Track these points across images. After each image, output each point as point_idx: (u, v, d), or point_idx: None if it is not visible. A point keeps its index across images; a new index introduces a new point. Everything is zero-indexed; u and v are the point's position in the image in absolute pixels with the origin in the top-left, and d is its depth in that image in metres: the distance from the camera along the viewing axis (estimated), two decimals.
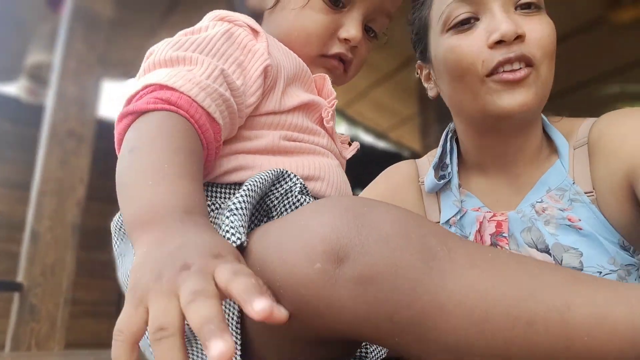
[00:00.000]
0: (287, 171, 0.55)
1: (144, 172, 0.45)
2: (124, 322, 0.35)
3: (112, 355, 0.35)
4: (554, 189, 0.76)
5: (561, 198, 0.75)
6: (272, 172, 0.54)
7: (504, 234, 0.76)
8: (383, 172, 0.96)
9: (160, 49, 0.58)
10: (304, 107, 0.65)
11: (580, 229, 0.72)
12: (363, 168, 1.28)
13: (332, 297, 0.38)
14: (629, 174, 0.69)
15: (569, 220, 0.73)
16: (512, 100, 0.69)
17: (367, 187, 0.95)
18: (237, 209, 0.46)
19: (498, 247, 0.76)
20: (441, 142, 0.90)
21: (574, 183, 0.74)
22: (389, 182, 0.93)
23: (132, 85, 0.54)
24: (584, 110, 0.87)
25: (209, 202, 0.53)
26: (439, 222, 0.84)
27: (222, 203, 0.54)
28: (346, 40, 0.70)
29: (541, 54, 0.70)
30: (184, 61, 0.56)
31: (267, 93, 0.62)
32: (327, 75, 0.70)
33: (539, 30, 0.70)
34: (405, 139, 5.67)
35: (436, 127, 3.31)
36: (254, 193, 0.50)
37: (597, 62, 3.38)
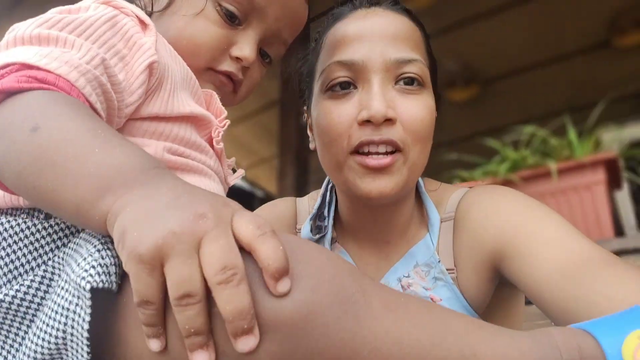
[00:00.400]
0: None
1: (74, 144, 0.39)
2: (145, 292, 0.33)
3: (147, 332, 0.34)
4: (421, 264, 0.74)
5: (427, 275, 0.74)
6: None
7: None
8: (259, 210, 0.91)
9: (26, 25, 0.49)
10: (193, 120, 0.59)
11: None
12: None
13: None
14: (493, 254, 0.68)
15: (431, 299, 0.72)
16: (372, 185, 0.67)
17: None
18: (113, 242, 0.37)
19: None
20: (321, 191, 0.86)
21: (439, 261, 0.73)
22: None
23: None
24: None
25: (58, 223, 0.46)
26: None
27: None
28: (238, 59, 0.65)
29: (412, 139, 0.67)
30: (56, 41, 0.48)
31: (151, 93, 0.55)
32: (214, 92, 0.64)
33: (413, 114, 0.67)
34: (261, 179, 5.70)
35: (293, 170, 3.38)
36: None
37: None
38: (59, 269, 0.44)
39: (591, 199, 1.81)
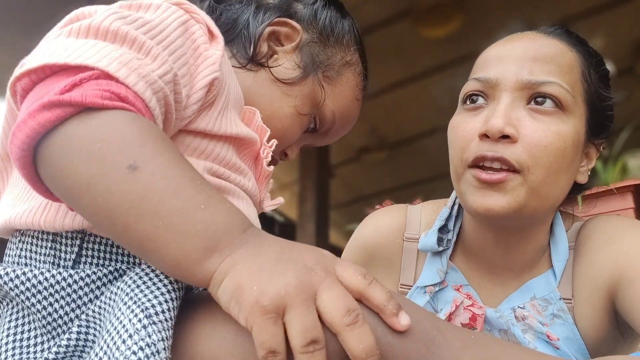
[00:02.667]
0: None
1: (179, 196, 0.38)
2: (272, 341, 0.34)
3: None
4: (539, 299, 0.71)
5: (544, 310, 0.70)
6: None
7: (475, 329, 0.72)
8: (373, 217, 0.88)
9: (104, 14, 0.44)
10: (237, 141, 0.56)
11: (557, 348, 0.68)
12: None
13: None
14: (609, 285, 0.65)
15: (548, 336, 0.69)
16: (480, 200, 0.64)
17: (357, 230, 0.88)
18: (159, 312, 0.37)
19: None
20: (449, 203, 0.82)
21: (561, 298, 0.70)
22: (375, 232, 0.84)
23: (55, 45, 0.41)
24: None
25: (103, 261, 0.45)
26: (411, 285, 0.79)
27: (125, 265, 0.45)
28: (286, 155, 0.70)
29: (533, 163, 0.63)
30: (133, 43, 0.44)
31: (204, 109, 0.53)
32: (257, 110, 0.61)
33: (537, 136, 0.63)
34: (282, 205, 5.72)
35: (314, 196, 3.39)
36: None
37: None
38: (94, 325, 0.42)
39: None
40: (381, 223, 0.85)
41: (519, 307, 0.71)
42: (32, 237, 0.47)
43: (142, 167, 0.38)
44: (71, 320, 0.42)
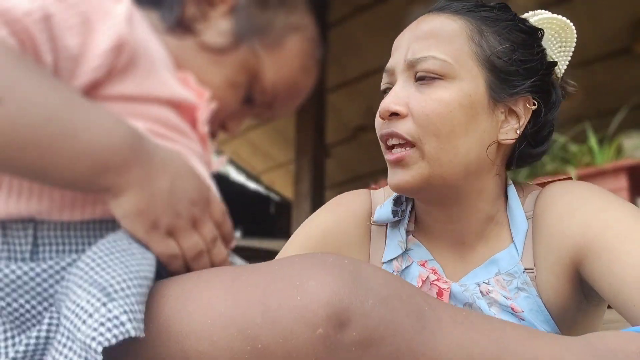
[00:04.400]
0: None
1: (55, 121, 0.40)
2: (171, 251, 0.46)
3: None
4: (503, 273, 0.72)
5: (508, 284, 0.72)
6: None
7: None
8: (333, 203, 0.88)
9: None
10: (174, 104, 0.54)
11: (522, 319, 0.69)
12: (231, 206, 1.25)
13: None
14: (573, 254, 0.65)
15: (512, 309, 0.70)
16: (392, 178, 0.71)
17: (312, 217, 0.87)
18: (119, 290, 0.38)
19: None
20: None
21: (524, 271, 0.71)
22: (336, 216, 0.85)
23: None
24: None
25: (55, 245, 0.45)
26: (382, 262, 0.81)
27: (79, 247, 0.45)
28: (226, 128, 0.65)
29: (422, 132, 0.67)
30: None
31: (122, 72, 0.50)
32: (190, 75, 0.58)
33: (421, 107, 0.68)
34: (277, 184, 5.72)
35: (309, 175, 3.39)
36: (148, 261, 0.44)
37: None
38: (57, 319, 0.42)
39: None
40: (345, 211, 0.86)
41: (483, 282, 0.73)
42: None
43: (6, 99, 0.38)
44: (40, 313, 0.42)
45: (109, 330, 0.36)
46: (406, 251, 0.79)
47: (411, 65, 0.70)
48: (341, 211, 0.85)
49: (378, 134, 0.73)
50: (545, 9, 0.78)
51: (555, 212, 0.69)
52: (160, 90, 0.52)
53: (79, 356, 0.36)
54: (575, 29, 0.76)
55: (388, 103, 0.69)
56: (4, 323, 0.42)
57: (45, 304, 0.42)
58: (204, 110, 0.57)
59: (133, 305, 0.38)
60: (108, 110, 0.44)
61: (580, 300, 0.71)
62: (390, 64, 0.74)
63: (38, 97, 0.40)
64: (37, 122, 0.39)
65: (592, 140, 1.96)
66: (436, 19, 0.73)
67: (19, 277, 0.41)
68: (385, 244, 0.82)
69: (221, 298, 0.40)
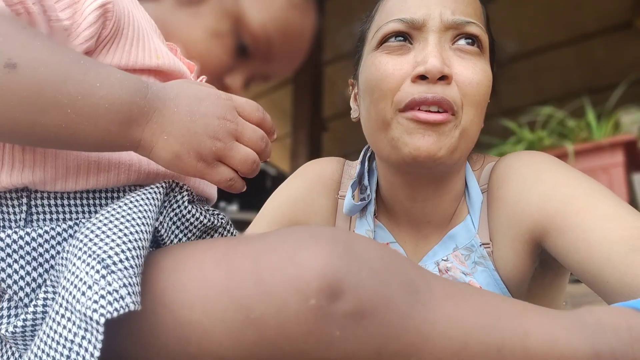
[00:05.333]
0: (175, 183, 0.50)
1: (71, 82, 0.40)
2: (225, 176, 0.49)
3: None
4: (461, 248, 0.71)
5: (466, 259, 0.70)
6: (160, 188, 0.47)
7: None
8: (304, 170, 0.86)
9: None
10: (165, 74, 0.54)
11: None
12: None
13: (323, 334, 0.37)
14: (535, 227, 0.63)
15: (470, 285, 0.68)
16: (421, 142, 0.63)
17: (283, 186, 0.85)
18: (117, 262, 0.38)
19: None
20: (359, 160, 0.81)
21: (481, 245, 0.70)
22: (305, 186, 0.83)
23: None
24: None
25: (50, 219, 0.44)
26: None
27: (75, 219, 0.45)
28: (226, 87, 0.63)
29: (466, 102, 0.64)
30: None
31: (109, 42, 0.50)
32: (178, 47, 0.59)
33: (469, 75, 0.64)
34: (273, 158, 5.70)
35: (306, 150, 3.38)
36: (146, 227, 0.42)
37: None
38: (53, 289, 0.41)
39: (609, 181, 1.79)
40: (315, 179, 0.83)
41: (442, 260, 0.71)
42: None
43: (20, 63, 0.39)
44: (34, 280, 0.41)
45: (110, 303, 0.36)
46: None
47: (454, 26, 0.65)
48: (311, 179, 0.83)
49: (408, 96, 0.63)
50: None
51: (512, 186, 0.67)
52: (149, 60, 0.51)
53: (78, 327, 0.36)
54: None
55: (440, 63, 0.62)
56: (2, 293, 0.41)
57: (41, 270, 0.41)
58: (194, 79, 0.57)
59: (132, 278, 0.38)
60: (112, 66, 0.44)
61: (540, 274, 0.71)
62: (419, 15, 0.65)
63: (50, 59, 0.40)
64: (54, 83, 0.40)
65: (590, 116, 1.95)
66: None
67: (14, 242, 0.41)
68: (352, 226, 0.79)
69: (215, 269, 0.40)
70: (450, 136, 0.64)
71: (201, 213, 0.51)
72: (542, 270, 0.71)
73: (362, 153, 0.80)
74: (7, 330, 0.40)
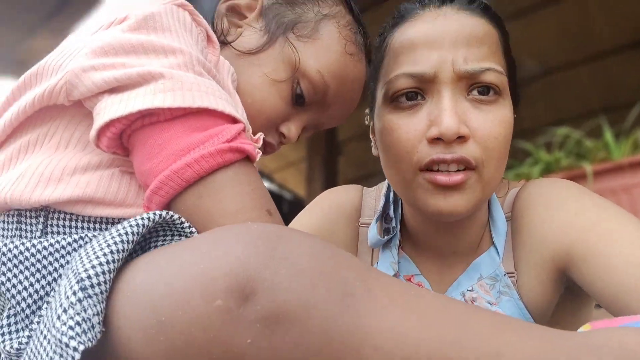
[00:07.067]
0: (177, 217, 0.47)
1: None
2: None
3: None
4: (486, 278, 0.70)
5: (491, 289, 0.69)
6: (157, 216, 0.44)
7: None
8: (323, 199, 0.84)
9: (165, 33, 0.48)
10: None
11: None
12: None
13: (232, 341, 0.33)
14: (558, 255, 0.62)
15: None
16: (442, 203, 0.62)
17: (301, 215, 0.83)
18: (95, 285, 0.36)
19: None
20: (383, 190, 0.79)
21: (505, 274, 0.68)
22: (325, 215, 0.81)
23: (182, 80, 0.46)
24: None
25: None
26: None
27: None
28: (282, 134, 0.65)
29: (487, 157, 0.62)
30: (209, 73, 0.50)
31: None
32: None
33: (487, 129, 0.62)
34: (289, 182, 5.72)
35: (322, 174, 3.39)
36: (125, 245, 0.40)
37: None
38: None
39: (631, 202, 1.75)
40: (334, 209, 0.81)
41: (467, 290, 0.70)
42: None
43: (273, 213, 0.48)
44: (35, 302, 0.41)
45: (84, 332, 0.34)
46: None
47: (468, 76, 0.62)
48: (330, 208, 0.82)
49: (426, 156, 0.62)
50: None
51: (535, 214, 0.67)
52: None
53: (54, 352, 0.35)
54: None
55: (455, 125, 0.60)
56: (9, 317, 0.41)
57: (44, 281, 0.41)
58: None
59: (103, 303, 0.36)
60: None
61: (565, 302, 0.69)
62: (428, 68, 0.63)
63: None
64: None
65: (608, 135, 1.93)
66: (479, 22, 0.65)
67: (20, 253, 0.41)
68: (375, 255, 0.78)
69: (138, 274, 0.38)
70: (473, 191, 0.63)
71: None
72: (567, 298, 0.70)
73: (386, 182, 0.80)
74: (11, 347, 0.39)
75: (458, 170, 0.62)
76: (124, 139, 0.47)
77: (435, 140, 0.61)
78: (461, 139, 0.61)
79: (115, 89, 0.45)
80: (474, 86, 0.63)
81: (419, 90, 0.64)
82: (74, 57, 0.48)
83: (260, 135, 0.57)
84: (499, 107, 0.63)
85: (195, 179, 0.44)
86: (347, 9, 0.67)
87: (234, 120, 0.48)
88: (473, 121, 0.62)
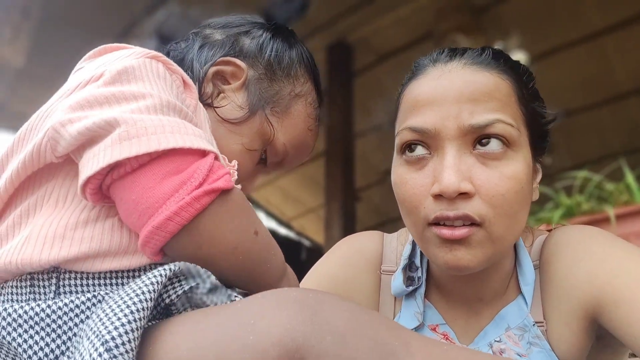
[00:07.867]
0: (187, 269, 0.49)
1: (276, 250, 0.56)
2: None
3: None
4: (514, 328, 0.68)
5: (520, 339, 0.67)
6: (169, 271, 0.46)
7: None
8: (343, 245, 0.83)
9: (158, 93, 0.51)
10: None
11: None
12: None
13: None
14: (587, 302, 0.61)
15: None
16: (449, 257, 0.61)
17: (321, 262, 0.83)
18: (120, 345, 0.38)
19: None
20: (410, 238, 0.78)
21: (534, 324, 0.67)
22: (345, 261, 0.80)
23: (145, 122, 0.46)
24: None
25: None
26: None
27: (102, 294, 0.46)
28: (244, 188, 0.70)
29: (494, 213, 0.60)
30: (186, 115, 0.52)
31: None
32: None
33: (493, 185, 0.60)
34: (308, 229, 5.72)
35: (340, 220, 3.38)
36: (147, 304, 0.41)
37: None
38: None
39: None
40: (355, 256, 0.80)
41: (495, 340, 0.68)
42: (12, 286, 0.48)
43: (259, 231, 0.52)
44: (57, 357, 0.42)
45: None
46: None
47: (472, 131, 0.61)
48: (351, 254, 0.81)
49: (431, 212, 0.62)
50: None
51: (562, 262, 0.65)
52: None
53: None
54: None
55: (456, 183, 0.59)
56: None
57: (59, 341, 0.43)
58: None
59: None
60: None
61: (597, 351, 0.67)
62: (430, 124, 0.62)
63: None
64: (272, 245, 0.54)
65: (630, 178, 1.91)
66: (486, 76, 0.64)
67: (36, 314, 0.43)
68: (397, 304, 0.77)
69: (183, 342, 0.40)
70: (481, 246, 0.61)
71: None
72: (599, 347, 0.68)
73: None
74: None
75: (464, 225, 0.61)
76: (105, 192, 0.48)
77: (439, 197, 0.61)
78: (464, 195, 0.60)
79: (91, 140, 0.47)
80: (480, 139, 0.62)
81: (425, 145, 0.64)
82: (54, 114, 0.50)
83: (234, 162, 0.60)
84: (508, 161, 0.62)
85: (178, 229, 0.45)
86: (314, 85, 0.72)
87: (203, 153, 0.48)
88: (478, 177, 0.61)
